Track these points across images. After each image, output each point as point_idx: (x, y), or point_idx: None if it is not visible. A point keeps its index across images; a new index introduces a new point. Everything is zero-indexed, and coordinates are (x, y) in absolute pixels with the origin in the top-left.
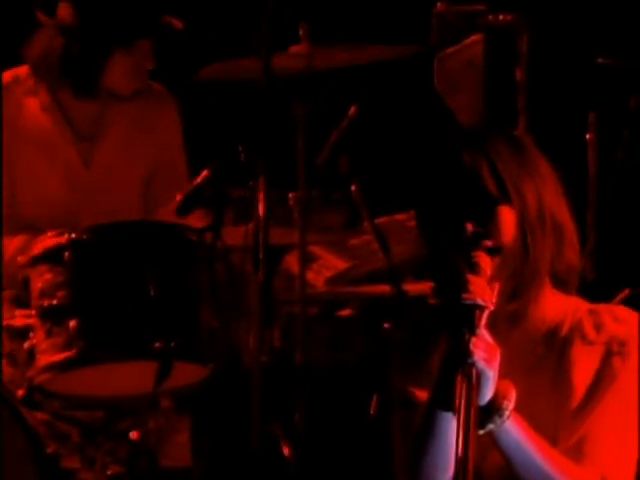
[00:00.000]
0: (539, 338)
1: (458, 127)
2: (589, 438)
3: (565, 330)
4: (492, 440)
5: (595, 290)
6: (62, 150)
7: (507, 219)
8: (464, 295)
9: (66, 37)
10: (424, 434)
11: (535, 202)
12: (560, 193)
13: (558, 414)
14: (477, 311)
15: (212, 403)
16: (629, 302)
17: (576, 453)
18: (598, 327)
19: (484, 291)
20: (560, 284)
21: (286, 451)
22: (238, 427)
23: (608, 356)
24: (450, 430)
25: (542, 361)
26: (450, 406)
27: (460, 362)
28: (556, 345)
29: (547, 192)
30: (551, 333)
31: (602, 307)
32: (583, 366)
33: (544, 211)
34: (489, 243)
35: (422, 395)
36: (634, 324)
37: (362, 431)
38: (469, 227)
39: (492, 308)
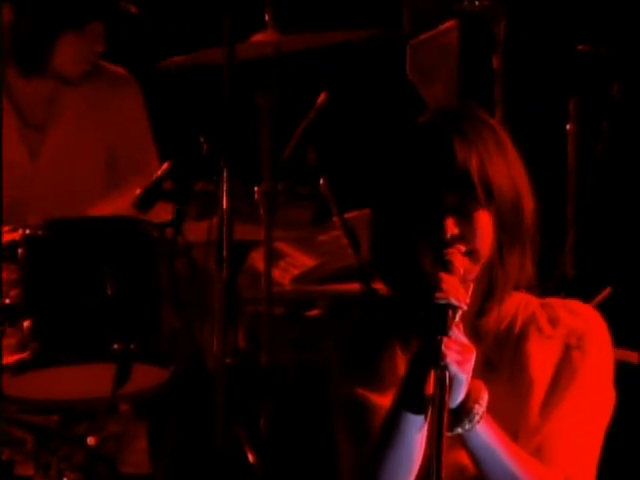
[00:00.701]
0: (494, 337)
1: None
2: (552, 438)
3: (519, 325)
4: (460, 440)
5: (576, 288)
6: (5, 138)
7: (485, 224)
8: (437, 294)
9: (16, 12)
10: (386, 438)
11: (514, 206)
12: (531, 190)
13: (518, 412)
14: (450, 311)
15: (173, 407)
16: (611, 301)
17: (539, 453)
18: (553, 321)
19: (457, 290)
20: (516, 289)
21: (251, 457)
22: (201, 432)
23: (567, 350)
24: (415, 434)
25: (498, 359)
26: (419, 409)
27: (431, 364)
28: (511, 341)
29: (524, 192)
30: (505, 330)
31: (554, 301)
32: (541, 360)
33: (521, 216)
34: (463, 248)
35: (376, 399)
36: (590, 317)
37: (331, 436)
38: (450, 227)
39: (465, 308)
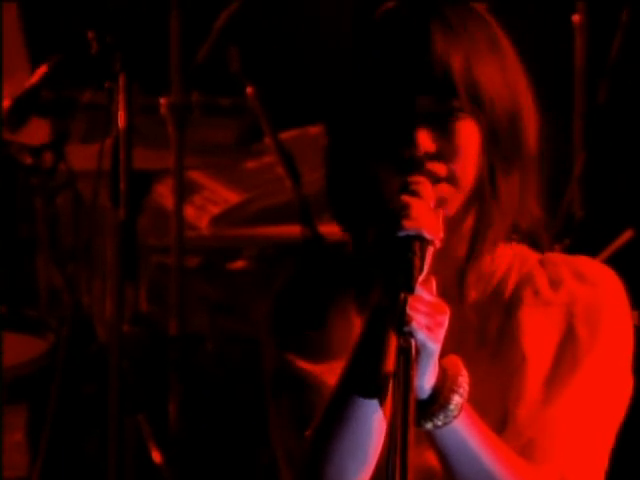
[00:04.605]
0: (478, 298)
1: None
2: (548, 433)
3: (511, 285)
4: (427, 434)
5: (585, 231)
6: None
7: (469, 138)
8: (402, 222)
9: None
10: (331, 425)
11: (510, 119)
12: (534, 104)
13: (504, 398)
14: (418, 244)
15: (54, 389)
16: (633, 246)
17: (530, 450)
18: (555, 283)
19: (430, 219)
20: (522, 237)
21: (156, 456)
22: (89, 422)
23: (571, 322)
24: (369, 421)
25: (482, 329)
26: (371, 390)
27: (393, 330)
28: (499, 305)
29: (524, 103)
30: (493, 291)
31: (557, 257)
32: (537, 332)
33: (521, 133)
34: (442, 169)
35: (322, 374)
36: (603, 281)
37: (260, 428)
38: (423, 140)
39: (439, 244)
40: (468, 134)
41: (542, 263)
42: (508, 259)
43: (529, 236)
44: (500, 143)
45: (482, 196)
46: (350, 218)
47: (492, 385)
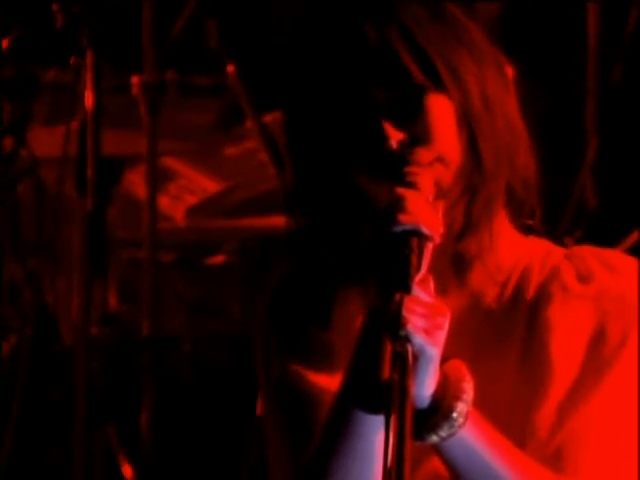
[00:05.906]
0: (498, 294)
1: None
2: (578, 440)
3: (536, 282)
4: (434, 446)
5: (599, 223)
6: None
7: (442, 113)
8: (398, 217)
9: None
10: (332, 442)
11: (478, 85)
12: (503, 76)
13: (529, 405)
14: (415, 240)
15: (15, 395)
16: None
17: (558, 459)
18: (583, 277)
19: (428, 214)
20: (517, 207)
21: (126, 469)
22: (53, 431)
23: (602, 318)
24: (374, 438)
25: (504, 330)
26: (375, 405)
27: (387, 335)
28: (523, 304)
29: (489, 72)
30: (515, 288)
31: (585, 250)
32: (566, 331)
33: (490, 97)
34: (424, 155)
35: (324, 381)
36: (634, 275)
37: (240, 442)
38: (391, 132)
39: (438, 241)
40: (438, 107)
41: (569, 257)
42: (528, 254)
43: (522, 203)
44: (475, 108)
45: (468, 170)
46: (328, 223)
47: (518, 392)
